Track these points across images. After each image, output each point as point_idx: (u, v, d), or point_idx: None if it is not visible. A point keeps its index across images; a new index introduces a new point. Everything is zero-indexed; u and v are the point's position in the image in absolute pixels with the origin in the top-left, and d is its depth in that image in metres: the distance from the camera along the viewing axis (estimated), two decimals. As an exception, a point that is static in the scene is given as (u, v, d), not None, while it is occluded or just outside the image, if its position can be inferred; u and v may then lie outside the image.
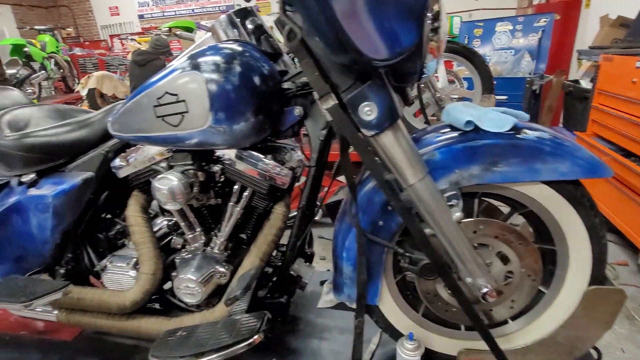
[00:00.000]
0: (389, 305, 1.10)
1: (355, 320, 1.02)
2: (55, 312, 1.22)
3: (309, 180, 1.04)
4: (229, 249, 1.15)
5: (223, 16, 0.98)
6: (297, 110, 0.97)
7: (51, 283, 1.10)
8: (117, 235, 1.28)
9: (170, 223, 1.28)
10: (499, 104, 2.81)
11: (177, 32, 4.91)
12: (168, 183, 0.95)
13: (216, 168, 1.02)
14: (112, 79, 5.63)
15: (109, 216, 1.30)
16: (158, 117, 0.92)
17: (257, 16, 1.02)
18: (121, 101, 1.23)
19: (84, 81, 5.49)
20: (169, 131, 0.93)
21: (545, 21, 3.78)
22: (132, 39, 7.13)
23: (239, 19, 1.00)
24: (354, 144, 0.84)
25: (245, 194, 1.06)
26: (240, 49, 0.89)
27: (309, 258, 1.34)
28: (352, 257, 1.02)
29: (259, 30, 1.01)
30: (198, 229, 1.15)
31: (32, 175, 1.14)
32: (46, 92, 7.18)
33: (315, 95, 0.84)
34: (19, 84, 5.21)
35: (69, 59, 7.27)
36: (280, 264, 1.15)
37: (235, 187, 1.07)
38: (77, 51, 7.91)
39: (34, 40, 6.73)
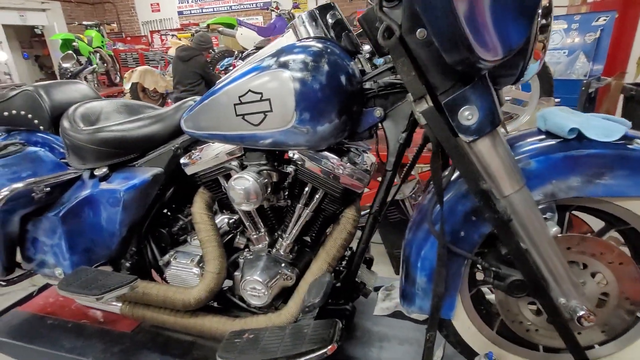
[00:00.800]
0: (462, 320, 1.03)
1: (426, 333, 0.97)
2: (119, 304, 1.24)
3: (384, 184, 0.99)
4: (294, 252, 1.12)
5: (305, 12, 0.95)
6: (378, 112, 0.92)
7: (119, 277, 1.11)
8: (179, 231, 1.28)
9: (231, 221, 1.27)
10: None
11: (219, 29, 5.00)
12: (244, 183, 0.93)
13: (290, 169, 0.99)
14: (154, 73, 5.79)
15: (172, 212, 1.30)
16: (238, 115, 0.90)
17: (338, 11, 0.98)
18: (191, 98, 1.22)
19: (128, 75, 5.68)
20: (248, 130, 0.91)
21: (605, 19, 3.54)
22: (172, 35, 7.32)
23: (320, 15, 0.96)
24: (449, 150, 0.78)
25: (317, 196, 1.03)
26: (326, 46, 0.86)
27: (369, 263, 1.30)
28: (427, 267, 0.97)
29: (340, 26, 0.97)
30: (263, 230, 1.13)
31: (105, 169, 1.16)
32: (91, 85, 7.47)
33: (410, 97, 0.79)
34: (73, 77, 5.45)
35: (112, 54, 7.55)
36: (344, 269, 1.12)
37: (306, 188, 1.04)
38: (120, 46, 8.21)
39: (81, 35, 7.03)
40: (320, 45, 0.86)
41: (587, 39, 3.69)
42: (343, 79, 0.85)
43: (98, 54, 7.12)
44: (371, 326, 1.35)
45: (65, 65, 5.54)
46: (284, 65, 0.83)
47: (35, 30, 9.13)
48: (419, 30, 0.72)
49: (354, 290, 1.15)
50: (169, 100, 6.00)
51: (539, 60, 0.81)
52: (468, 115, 0.75)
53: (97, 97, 1.44)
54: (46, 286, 1.65)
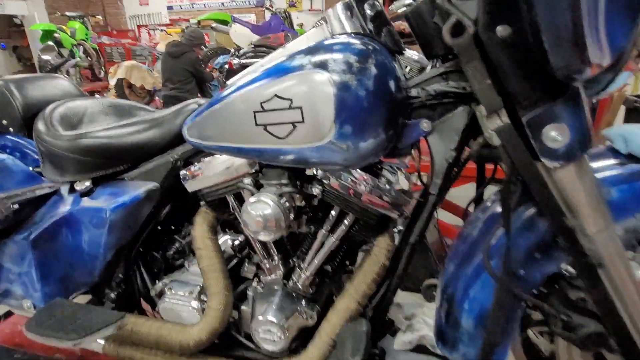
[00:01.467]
0: (511, 368, 0.89)
1: (472, 386, 0.81)
2: (102, 342, 1.05)
3: (426, 210, 0.84)
4: (314, 285, 0.95)
5: (339, 4, 0.78)
6: (425, 125, 0.77)
7: (103, 313, 0.92)
8: (175, 255, 1.10)
9: (236, 243, 1.10)
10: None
11: (212, 25, 4.79)
12: (263, 208, 0.76)
13: (316, 190, 0.82)
14: (141, 69, 5.51)
15: (167, 232, 1.12)
16: (259, 125, 0.73)
17: (378, 1, 0.82)
18: (193, 100, 1.04)
19: (113, 70, 5.39)
20: (271, 144, 0.74)
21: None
22: (162, 30, 7.04)
23: (357, 6, 0.80)
24: (528, 177, 0.63)
25: (345, 221, 0.86)
26: (370, 44, 0.70)
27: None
28: (476, 309, 0.81)
29: (379, 19, 0.81)
30: (276, 257, 0.96)
31: (87, 183, 0.97)
32: (73, 80, 7.13)
33: (482, 110, 0.63)
34: (53, 70, 5.13)
35: (96, 47, 7.21)
36: (373, 306, 0.95)
37: (332, 212, 0.87)
38: (105, 40, 7.85)
39: (64, 27, 6.68)
40: (363, 42, 0.70)
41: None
42: (392, 84, 0.69)
43: (82, 47, 6.78)
44: (393, 364, 1.20)
45: (45, 57, 5.20)
46: (322, 66, 0.66)
47: (14, 19, 8.68)
48: (501, 26, 0.56)
49: (381, 329, 0.99)
50: (157, 98, 5.73)
51: (633, 70, 0.67)
52: (556, 136, 0.60)
53: (79, 94, 1.24)
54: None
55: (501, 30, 0.57)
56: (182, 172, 0.94)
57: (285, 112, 0.69)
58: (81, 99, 1.13)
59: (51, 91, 1.17)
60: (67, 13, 7.24)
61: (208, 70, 4.57)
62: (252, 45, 3.45)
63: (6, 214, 0.92)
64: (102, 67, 7.21)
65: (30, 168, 1.07)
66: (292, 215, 0.80)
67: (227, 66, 3.51)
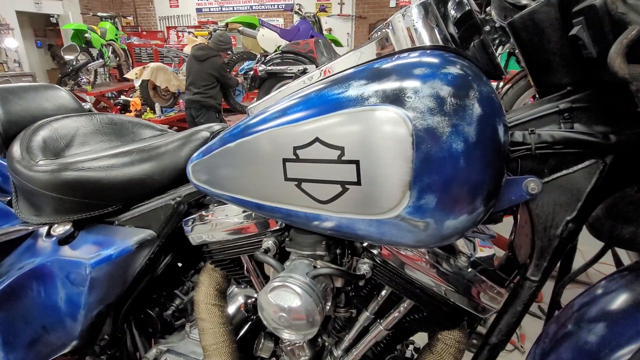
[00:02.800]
0: None
1: None
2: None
3: (521, 299, 0.58)
4: (351, 380, 0.71)
5: (414, 6, 0.54)
6: (533, 185, 0.52)
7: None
8: (175, 313, 0.88)
9: (249, 302, 0.87)
10: None
11: (240, 28, 4.63)
12: (291, 300, 0.52)
13: (365, 268, 0.58)
14: (167, 71, 5.43)
15: (165, 285, 0.90)
16: (289, 180, 0.50)
17: (468, 1, 0.57)
18: (205, 126, 0.83)
19: (139, 72, 5.33)
20: (305, 207, 0.50)
21: None
22: (189, 32, 7.00)
23: (437, 6, 0.55)
24: None
25: (402, 308, 0.62)
26: (466, 68, 0.45)
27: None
28: None
29: (468, 23, 0.57)
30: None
31: (68, 227, 0.76)
32: (101, 79, 7.19)
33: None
34: (76, 70, 5.11)
35: (125, 48, 7.24)
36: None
37: (383, 292, 0.63)
38: (135, 40, 7.90)
39: (95, 27, 6.73)
40: (454, 63, 0.45)
41: None
42: (501, 130, 0.45)
43: (111, 47, 6.80)
44: None
45: (67, 57, 5.18)
46: (395, 100, 0.42)
47: (51, 18, 8.88)
48: None
49: None
50: (181, 101, 5.64)
51: None
52: None
53: (78, 108, 1.05)
54: None
55: None
56: (185, 220, 0.72)
57: (332, 166, 0.46)
58: (74, 117, 0.93)
59: (43, 105, 0.97)
60: (99, 14, 7.31)
61: (233, 75, 4.42)
62: (280, 52, 3.25)
63: (-36, 263, 0.73)
64: (130, 67, 7.22)
65: (7, 199, 0.88)
66: (328, 305, 0.56)
67: (252, 72, 3.32)
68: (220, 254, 0.72)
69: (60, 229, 0.76)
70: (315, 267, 0.56)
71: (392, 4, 7.36)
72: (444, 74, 0.43)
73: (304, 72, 3.00)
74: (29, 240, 0.80)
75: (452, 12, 0.56)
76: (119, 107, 5.50)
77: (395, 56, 0.48)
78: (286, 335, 0.55)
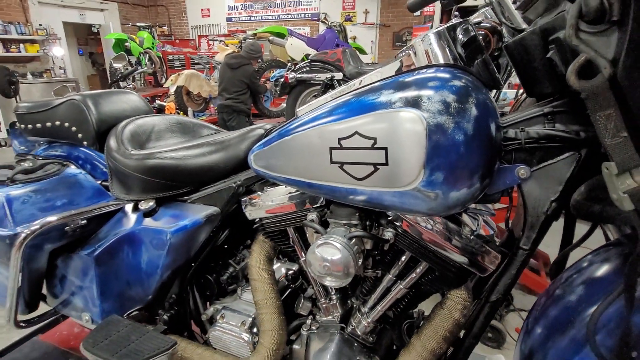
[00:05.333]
0: None
1: None
2: (151, 363, 1.03)
3: (515, 265, 0.73)
4: (375, 332, 0.87)
5: (431, 33, 0.71)
6: (522, 172, 0.67)
7: (155, 339, 0.90)
8: (229, 280, 1.07)
9: (289, 272, 1.04)
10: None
11: (270, 38, 4.88)
12: (332, 253, 0.69)
13: (389, 234, 0.74)
14: (199, 77, 5.76)
15: (222, 256, 1.09)
16: (334, 163, 0.67)
17: (472, 28, 0.73)
18: (259, 125, 1.01)
19: (174, 78, 5.67)
20: (346, 183, 0.67)
21: None
22: (220, 41, 7.34)
23: (448, 32, 0.72)
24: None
25: (417, 270, 0.78)
26: (469, 81, 0.61)
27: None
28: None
29: (473, 46, 0.73)
30: (334, 298, 0.89)
31: (151, 203, 0.96)
32: (137, 85, 7.63)
33: (612, 167, 0.53)
34: (123, 78, 5.52)
35: (160, 55, 7.67)
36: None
37: (403, 257, 0.79)
38: (168, 48, 8.35)
39: (134, 36, 7.19)
40: (460, 77, 0.62)
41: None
42: (493, 127, 0.61)
43: (147, 55, 7.24)
44: None
45: (116, 65, 5.61)
46: (415, 104, 0.59)
47: (92, 28, 9.50)
48: None
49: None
50: (212, 105, 5.95)
51: None
52: None
53: (148, 110, 1.27)
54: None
55: None
56: (244, 199, 0.91)
57: (367, 151, 0.63)
58: (150, 117, 1.14)
59: (122, 107, 1.20)
60: (138, 24, 7.79)
61: (262, 82, 4.67)
62: (309, 60, 3.47)
63: (74, 228, 0.94)
64: (164, 74, 7.65)
65: (99, 182, 1.10)
66: (360, 261, 0.73)
67: (282, 80, 3.54)
68: (271, 227, 0.89)
69: (145, 205, 0.96)
70: (350, 231, 0.73)
71: (417, 12, 7.48)
72: (451, 85, 0.59)
73: (331, 79, 3.20)
74: (120, 214, 1.00)
75: (460, 37, 0.72)
76: (155, 111, 5.86)
77: (416, 72, 0.65)
78: (328, 282, 0.72)
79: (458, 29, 0.73)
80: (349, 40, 5.95)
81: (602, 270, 0.71)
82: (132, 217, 0.98)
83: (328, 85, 3.22)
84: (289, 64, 3.82)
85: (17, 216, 0.88)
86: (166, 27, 9.97)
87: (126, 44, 6.70)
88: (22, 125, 1.17)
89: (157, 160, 0.94)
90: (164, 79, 7.54)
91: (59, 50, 7.70)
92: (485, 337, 1.71)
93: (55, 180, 0.97)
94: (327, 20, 6.40)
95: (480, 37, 0.84)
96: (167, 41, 9.19)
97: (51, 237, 0.92)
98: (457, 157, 0.58)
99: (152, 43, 7.52)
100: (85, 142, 1.13)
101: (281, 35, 5.31)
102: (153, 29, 7.81)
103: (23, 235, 0.84)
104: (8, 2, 6.94)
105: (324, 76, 3.26)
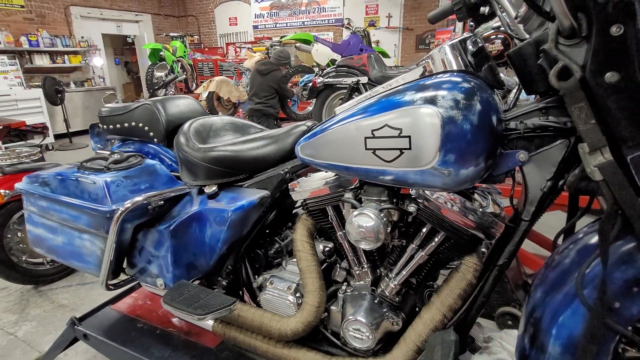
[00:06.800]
0: (599, 402, 0.88)
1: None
2: (212, 321, 1.24)
3: (517, 235, 0.89)
4: (400, 294, 1.04)
5: (447, 44, 0.89)
6: (522, 156, 0.83)
7: (219, 297, 1.10)
8: (275, 254, 1.26)
9: (326, 249, 1.22)
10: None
11: (297, 45, 5.11)
12: (367, 221, 0.88)
13: (412, 208, 0.92)
14: (229, 83, 6.08)
15: (269, 234, 1.29)
16: (368, 149, 0.85)
17: (480, 39, 0.90)
18: (302, 122, 1.21)
19: (206, 84, 6.01)
20: (377, 165, 0.85)
21: None
22: (248, 48, 7.67)
23: (462, 46, 0.89)
24: (631, 214, 0.67)
25: (436, 239, 0.94)
26: (475, 82, 0.78)
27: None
28: (564, 336, 0.83)
29: (481, 56, 0.89)
30: (366, 266, 1.07)
31: (215, 188, 1.17)
32: (171, 90, 8.06)
33: (585, 147, 0.68)
34: (164, 86, 5.92)
35: (191, 63, 8.09)
36: (457, 322, 1.01)
37: (424, 229, 0.96)
38: (198, 56, 8.77)
39: (167, 45, 7.63)
40: (469, 80, 0.79)
41: None
42: (494, 119, 0.77)
43: (180, 63, 7.67)
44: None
45: (158, 74, 6.02)
46: (431, 102, 0.77)
47: (127, 39, 10.09)
48: (609, 73, 0.62)
49: (462, 346, 1.04)
50: (240, 110, 6.26)
51: None
52: (661, 175, 0.63)
53: (203, 112, 1.49)
54: (134, 287, 1.73)
55: (610, 76, 0.62)
56: (290, 184, 1.10)
57: (394, 139, 0.81)
58: (209, 117, 1.36)
59: (184, 109, 1.42)
60: (171, 34, 8.24)
61: (290, 86, 4.92)
62: (335, 66, 3.67)
63: (154, 207, 1.16)
64: (195, 81, 8.07)
65: (169, 172, 1.32)
66: (389, 229, 0.90)
67: (310, 84, 3.76)
68: (312, 206, 1.08)
69: (209, 189, 1.18)
70: (381, 205, 0.91)
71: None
72: (460, 87, 0.77)
73: (357, 83, 3.39)
74: (188, 196, 1.22)
75: (470, 47, 0.89)
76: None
77: (433, 76, 0.82)
78: (362, 245, 0.90)
79: (468, 41, 0.90)
80: (373, 45, 6.12)
81: (592, 238, 0.86)
82: (199, 199, 1.19)
83: (354, 89, 3.41)
84: (317, 70, 4.03)
85: (114, 196, 1.11)
86: (196, 36, 10.44)
87: (161, 53, 7.12)
88: (104, 126, 1.42)
89: (220, 152, 1.16)
90: (194, 85, 7.94)
91: (99, 61, 8.25)
92: (505, 323, 1.83)
93: (139, 169, 1.20)
94: (350, 25, 6.59)
95: (500, 41, 0.99)
96: (196, 49, 9.65)
97: (137, 214, 1.14)
98: (465, 142, 0.75)
99: (184, 51, 7.95)
100: (155, 139, 1.37)
101: (307, 42, 5.55)
102: (185, 38, 8.23)
103: (120, 210, 1.07)
104: (54, 18, 7.52)
105: (350, 80, 3.45)
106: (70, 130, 6.43)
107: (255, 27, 9.84)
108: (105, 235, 1.13)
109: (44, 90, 5.91)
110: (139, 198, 1.10)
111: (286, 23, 9.33)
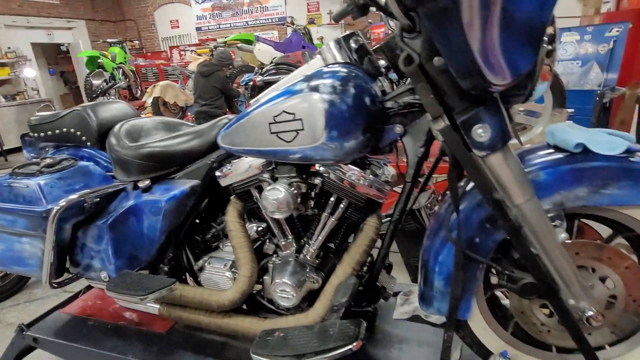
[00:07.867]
0: (478, 321, 1.10)
1: (444, 334, 1.04)
2: (157, 306, 1.34)
3: (404, 194, 1.08)
4: (320, 257, 1.21)
5: (332, 41, 1.06)
6: (398, 129, 1.02)
7: (160, 280, 1.21)
8: (212, 239, 1.39)
9: (259, 229, 1.37)
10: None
11: (239, 45, 5.17)
12: (277, 194, 1.03)
13: (317, 181, 1.09)
14: (174, 88, 6.01)
15: (206, 220, 1.41)
16: (272, 133, 1.01)
17: (361, 37, 1.08)
18: (224, 116, 1.34)
19: (150, 90, 5.91)
20: (281, 146, 1.01)
21: (618, 31, 3.58)
22: (192, 51, 7.58)
23: (345, 42, 1.06)
24: (464, 164, 0.87)
25: (341, 205, 1.12)
26: (351, 71, 0.96)
27: (388, 269, 1.38)
28: (444, 271, 1.04)
29: (362, 50, 1.08)
30: (290, 237, 1.23)
31: (147, 182, 1.28)
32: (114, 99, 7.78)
33: (428, 116, 0.88)
34: (102, 94, 5.74)
35: (133, 69, 7.86)
36: (366, 274, 1.20)
37: (332, 198, 1.13)
38: (140, 61, 8.53)
39: (105, 52, 7.36)
40: (346, 70, 0.96)
41: (601, 49, 3.72)
42: (367, 100, 0.95)
43: (121, 70, 7.43)
44: (391, 329, 1.42)
45: (95, 82, 5.83)
46: (315, 89, 0.93)
47: (61, 47, 9.57)
48: (436, 58, 0.81)
49: (375, 294, 1.23)
50: (189, 114, 6.21)
51: (546, 81, 0.90)
52: (481, 133, 0.83)
53: (135, 114, 1.58)
54: (84, 290, 1.77)
55: (437, 61, 0.81)
56: (217, 172, 1.23)
57: (291, 123, 0.97)
58: (139, 118, 1.46)
59: (116, 113, 1.50)
60: (109, 40, 7.96)
61: (235, 87, 4.98)
62: (274, 64, 3.80)
63: (90, 205, 1.25)
64: (139, 87, 7.85)
65: (104, 172, 1.40)
66: (298, 199, 1.06)
67: (251, 83, 3.87)
68: (239, 188, 1.22)
69: (142, 183, 1.28)
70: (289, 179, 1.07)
71: (373, 9, 7.89)
72: (339, 75, 0.94)
73: (295, 79, 3.55)
74: (124, 192, 1.32)
75: (352, 45, 1.07)
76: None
77: (321, 68, 0.99)
78: (276, 215, 1.06)
79: (352, 39, 1.08)
80: (316, 41, 6.31)
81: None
82: (134, 194, 1.29)
83: (293, 85, 3.56)
84: (256, 68, 4.14)
85: (48, 197, 1.18)
86: (137, 41, 10.11)
87: (99, 60, 6.88)
88: (36, 134, 1.47)
89: (150, 148, 1.26)
90: (139, 92, 7.74)
91: (30, 72, 7.79)
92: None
93: (72, 170, 1.27)
94: (293, 24, 6.74)
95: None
96: (138, 54, 9.36)
97: (74, 212, 1.22)
98: (344, 120, 0.92)
99: (125, 58, 7.71)
100: (88, 143, 1.44)
101: (249, 42, 5.63)
102: (124, 44, 7.97)
103: (55, 209, 1.15)
104: (-25, 28, 7.01)
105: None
106: (5, 148, 6.06)
107: (198, 29, 9.71)
108: (44, 235, 1.20)
109: (-30, 107, 5.53)
110: (73, 196, 1.19)
111: (229, 24, 9.31)
